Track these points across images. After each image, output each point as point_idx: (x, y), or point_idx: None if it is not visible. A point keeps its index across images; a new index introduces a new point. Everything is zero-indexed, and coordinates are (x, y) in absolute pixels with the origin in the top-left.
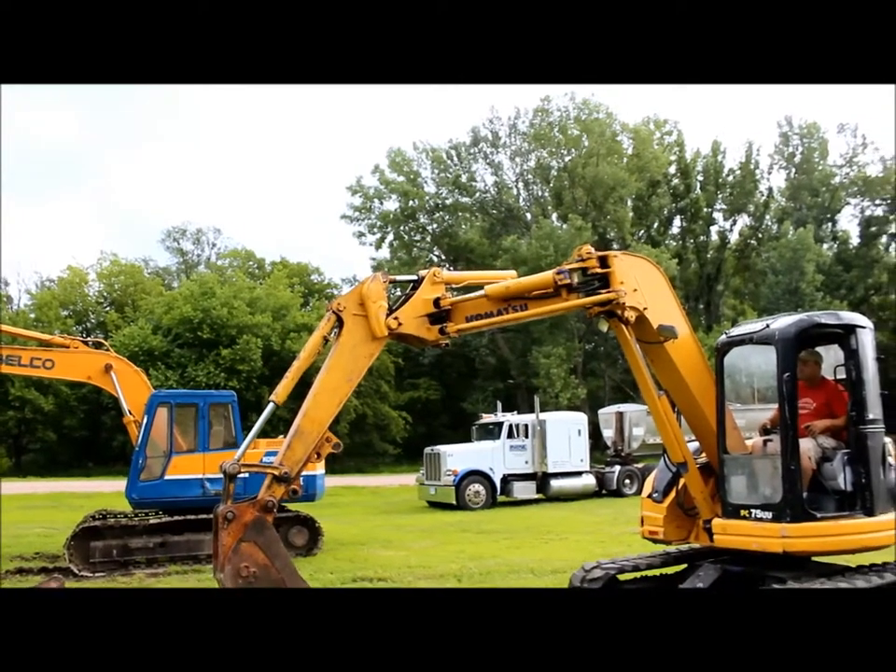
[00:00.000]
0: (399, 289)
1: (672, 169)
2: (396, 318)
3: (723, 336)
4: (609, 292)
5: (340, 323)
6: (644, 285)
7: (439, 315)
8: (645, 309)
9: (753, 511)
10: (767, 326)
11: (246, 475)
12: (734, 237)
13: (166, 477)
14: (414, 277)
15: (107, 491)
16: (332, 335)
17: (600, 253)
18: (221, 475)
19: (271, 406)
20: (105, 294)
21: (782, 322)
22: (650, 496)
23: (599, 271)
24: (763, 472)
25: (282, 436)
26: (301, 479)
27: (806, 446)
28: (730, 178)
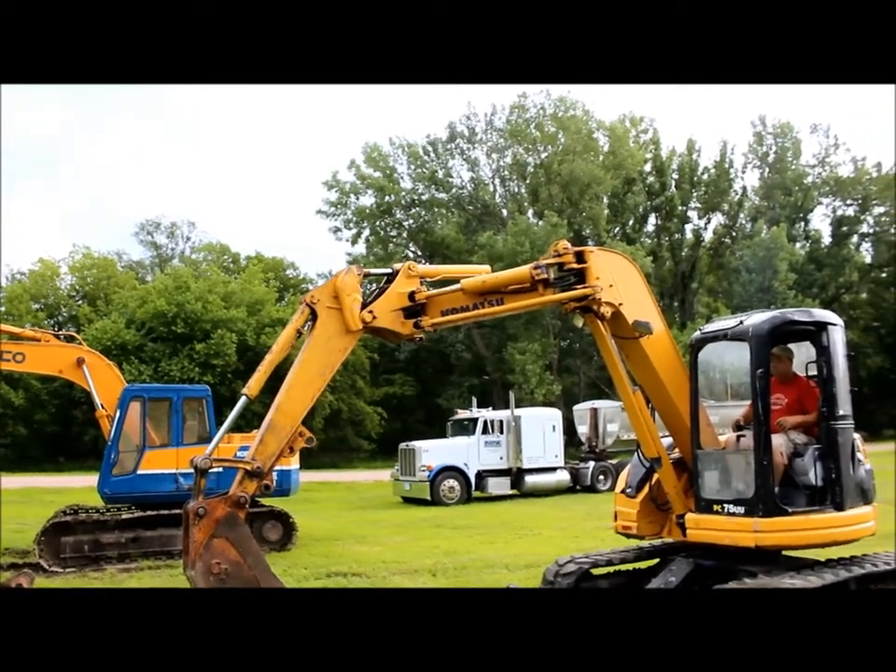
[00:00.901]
0: (373, 283)
1: (647, 167)
2: (370, 312)
3: (698, 332)
4: (585, 287)
5: (313, 316)
6: (620, 280)
7: (414, 309)
8: (620, 304)
9: (726, 505)
10: (741, 322)
11: (219, 470)
12: (708, 235)
13: (139, 472)
14: (389, 271)
15: (79, 486)
16: (306, 328)
17: (577, 248)
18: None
19: (243, 400)
20: (77, 287)
21: (756, 318)
22: (623, 491)
23: (575, 266)
24: (735, 468)
25: (256, 430)
26: (276, 474)
27: (778, 442)
28: (705, 177)
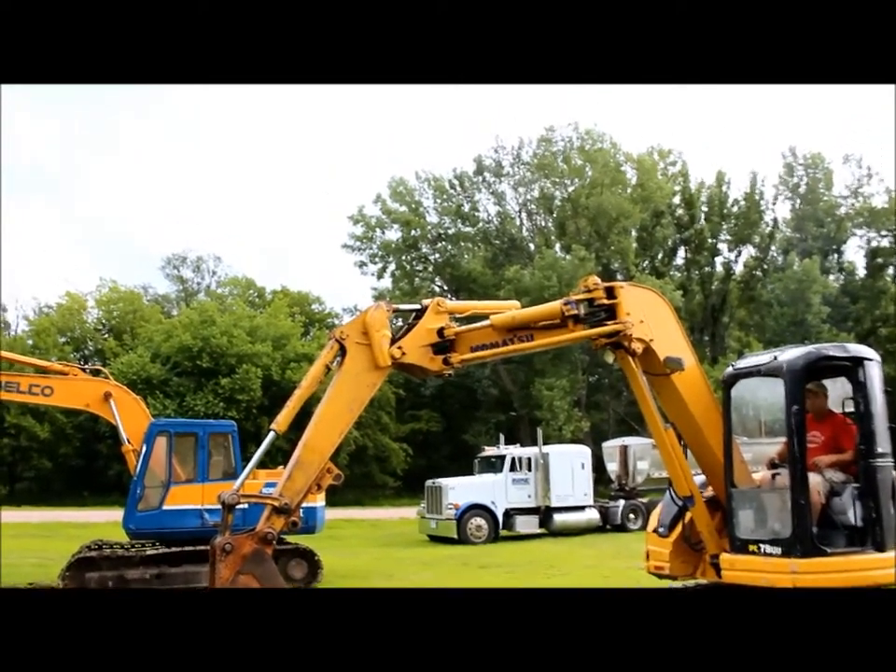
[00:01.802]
0: (401, 319)
1: (676, 199)
2: (399, 348)
3: (730, 368)
4: (616, 323)
5: (342, 352)
6: (650, 316)
7: (443, 345)
8: (651, 340)
9: (762, 545)
10: (775, 358)
11: (245, 506)
12: (738, 268)
13: (164, 507)
14: (418, 306)
15: (102, 521)
16: (335, 364)
17: (607, 284)
18: (220, 506)
19: (271, 435)
20: (103, 321)
21: (790, 354)
22: (655, 530)
23: (606, 302)
24: (771, 506)
25: (281, 466)
26: (301, 511)
27: (815, 480)
28: (734, 209)
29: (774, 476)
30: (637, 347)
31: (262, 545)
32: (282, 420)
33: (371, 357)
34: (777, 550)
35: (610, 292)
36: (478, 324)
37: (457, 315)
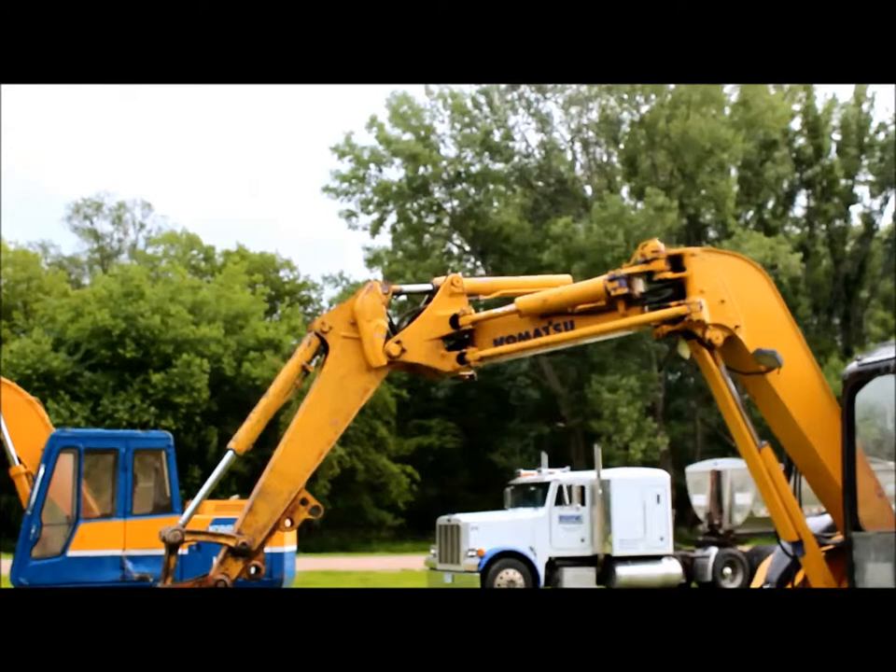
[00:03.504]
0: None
1: (796, 124)
2: (398, 342)
3: (854, 364)
4: (679, 304)
5: (324, 348)
6: (737, 293)
7: (458, 338)
8: (737, 327)
9: None
10: None
11: (184, 551)
12: (884, 221)
13: (70, 553)
14: (428, 287)
15: None
16: (314, 364)
17: (671, 251)
18: (163, 546)
19: (229, 456)
20: None
21: None
22: None
23: (670, 275)
24: None
25: (235, 496)
26: (266, 557)
27: None
28: (880, 137)
29: None
30: (716, 337)
31: None
32: (242, 437)
33: (362, 355)
34: None
35: (677, 262)
36: (501, 309)
37: (484, 298)
